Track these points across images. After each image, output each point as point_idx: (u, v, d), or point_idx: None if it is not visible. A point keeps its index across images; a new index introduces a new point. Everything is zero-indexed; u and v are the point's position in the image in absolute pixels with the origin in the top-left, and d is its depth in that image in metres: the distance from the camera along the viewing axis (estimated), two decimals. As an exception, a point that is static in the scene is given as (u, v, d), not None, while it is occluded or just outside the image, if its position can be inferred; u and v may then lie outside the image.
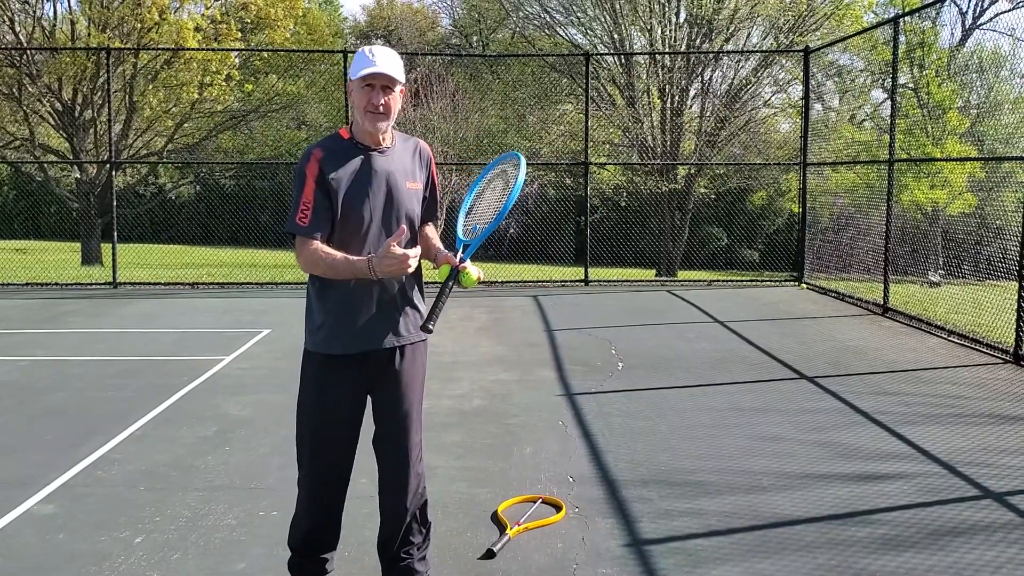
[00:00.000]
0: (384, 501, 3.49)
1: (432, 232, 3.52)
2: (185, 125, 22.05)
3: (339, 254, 3.17)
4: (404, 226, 3.19)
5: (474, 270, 3.32)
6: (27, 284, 13.19)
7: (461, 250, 3.36)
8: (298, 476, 3.45)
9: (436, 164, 3.63)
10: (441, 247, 3.45)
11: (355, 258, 3.16)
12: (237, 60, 21.96)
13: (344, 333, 3.27)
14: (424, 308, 3.43)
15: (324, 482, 3.39)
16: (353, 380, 3.32)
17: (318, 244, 3.19)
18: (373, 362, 3.31)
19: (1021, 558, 3.80)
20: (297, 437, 3.44)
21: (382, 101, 3.22)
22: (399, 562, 3.48)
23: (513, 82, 24.49)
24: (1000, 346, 8.03)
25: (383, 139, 3.31)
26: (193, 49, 19.42)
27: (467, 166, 19.39)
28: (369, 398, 3.42)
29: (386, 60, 3.21)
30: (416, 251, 3.18)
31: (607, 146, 22.82)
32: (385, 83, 3.22)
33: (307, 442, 3.39)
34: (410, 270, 3.16)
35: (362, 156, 3.27)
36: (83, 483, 4.77)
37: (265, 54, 22.14)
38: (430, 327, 3.23)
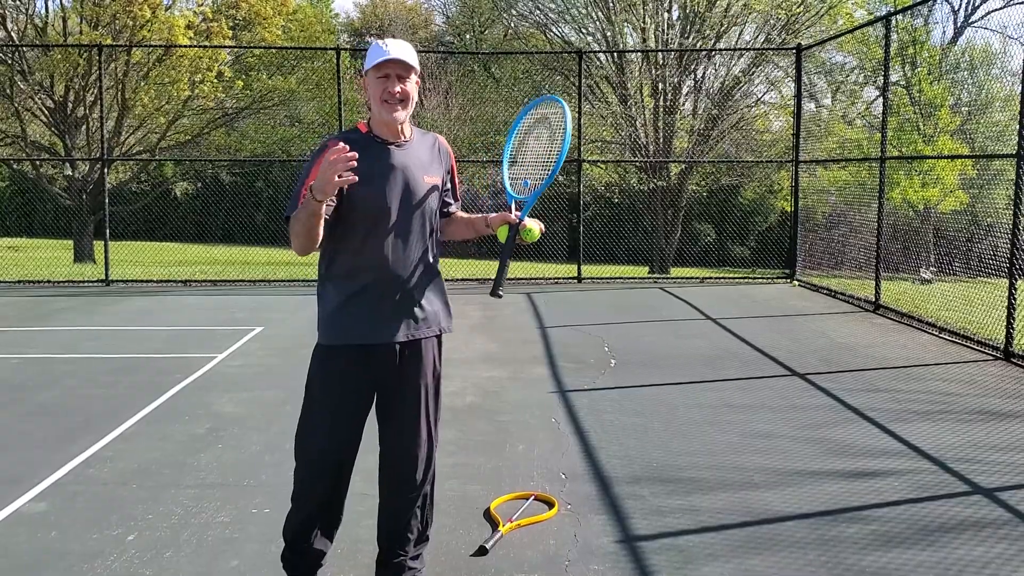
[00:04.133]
0: (385, 498, 3.50)
1: (464, 213, 3.55)
2: (180, 122, 22.01)
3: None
4: (344, 145, 2.92)
5: (535, 224, 3.31)
6: (19, 282, 13.15)
7: (515, 207, 3.35)
8: (294, 468, 3.44)
9: None
10: (484, 215, 3.46)
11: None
12: (229, 57, 21.92)
13: (351, 325, 3.26)
14: (441, 305, 3.42)
15: (324, 475, 3.38)
16: (359, 373, 3.31)
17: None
18: (380, 356, 3.30)
19: (1010, 554, 3.82)
20: (298, 429, 3.43)
21: (398, 89, 3.20)
22: (393, 558, 3.49)
23: (506, 80, 24.50)
24: (990, 343, 8.06)
25: (401, 131, 3.30)
26: (185, 46, 19.37)
27: (461, 163, 19.39)
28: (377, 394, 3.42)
29: (399, 48, 3.21)
30: (354, 155, 2.89)
31: (600, 143, 22.84)
32: (400, 71, 3.21)
33: (309, 434, 3.37)
34: (339, 177, 2.88)
35: (380, 149, 3.27)
36: (75, 481, 4.76)
37: (257, 51, 22.10)
38: (500, 292, 3.22)
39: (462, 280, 12.73)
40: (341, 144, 2.90)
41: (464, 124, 23.26)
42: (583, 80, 14.48)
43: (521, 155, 3.51)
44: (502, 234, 3.30)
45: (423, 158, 3.36)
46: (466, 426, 5.73)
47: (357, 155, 2.91)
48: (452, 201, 3.53)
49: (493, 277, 3.37)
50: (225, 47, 20.74)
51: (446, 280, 3.55)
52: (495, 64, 25.75)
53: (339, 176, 2.88)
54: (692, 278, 14.08)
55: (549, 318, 9.86)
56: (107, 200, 13.33)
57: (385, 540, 3.51)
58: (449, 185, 3.49)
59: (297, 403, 3.43)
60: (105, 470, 4.93)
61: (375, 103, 3.25)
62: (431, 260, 3.37)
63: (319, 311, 3.36)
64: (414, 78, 3.27)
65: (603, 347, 8.20)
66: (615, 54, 22.15)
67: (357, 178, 2.95)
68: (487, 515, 4.26)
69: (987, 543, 3.93)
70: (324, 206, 3.00)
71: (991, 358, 7.75)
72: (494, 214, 3.40)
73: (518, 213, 3.33)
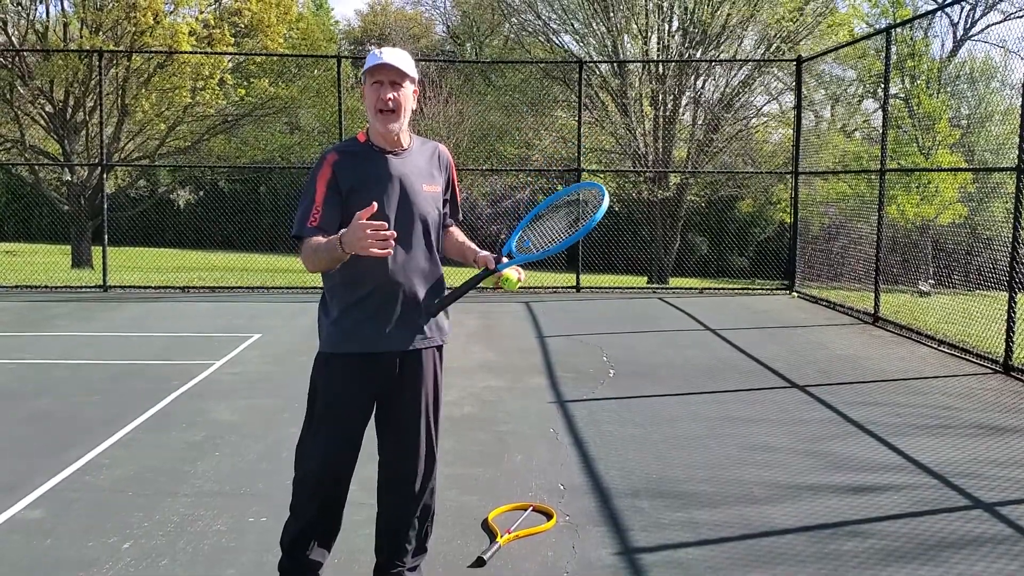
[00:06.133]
0: (383, 508, 3.48)
1: (460, 235, 3.53)
2: (178, 128, 22.01)
3: (321, 238, 3.11)
4: (375, 203, 3.02)
5: (514, 273, 3.31)
6: (16, 286, 13.12)
7: (505, 257, 3.34)
8: (294, 477, 3.42)
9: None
10: (476, 248, 3.45)
11: (331, 237, 3.06)
12: (230, 64, 21.94)
13: (352, 333, 3.26)
14: (441, 316, 3.43)
15: (323, 484, 3.36)
16: (361, 382, 3.30)
17: (310, 238, 3.15)
18: (381, 365, 3.29)
19: (1011, 570, 3.80)
20: (300, 437, 3.41)
21: (390, 95, 3.19)
22: (391, 569, 3.47)
23: (507, 88, 24.54)
24: (990, 356, 8.05)
25: (399, 140, 3.29)
26: (186, 52, 19.38)
27: (460, 172, 19.41)
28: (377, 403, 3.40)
29: (393, 55, 3.21)
30: (392, 233, 2.95)
31: (599, 153, 22.87)
32: (393, 78, 3.20)
33: (311, 443, 3.36)
34: (376, 250, 2.91)
35: (377, 159, 3.26)
36: (71, 488, 4.73)
37: (258, 58, 22.12)
38: (434, 310, 3.28)
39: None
40: (380, 223, 2.91)
41: (464, 133, 23.28)
42: (583, 89, 14.49)
43: (544, 221, 3.51)
44: (479, 271, 3.33)
45: (422, 167, 3.34)
46: (464, 436, 5.71)
47: (396, 234, 2.96)
48: (450, 214, 3.51)
49: (488, 285, 3.37)
50: (226, 54, 20.77)
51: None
52: (495, 73, 25.80)
53: (373, 249, 2.91)
54: (691, 288, 14.07)
55: (548, 327, 9.84)
56: (106, 205, 13.31)
57: (383, 550, 3.50)
58: (448, 196, 3.47)
59: (295, 411, 3.42)
60: (101, 477, 4.90)
61: (370, 112, 3.24)
62: (433, 269, 3.36)
63: (321, 319, 3.36)
64: (409, 86, 3.25)
65: (602, 357, 8.18)
66: (615, 64, 22.19)
67: (392, 253, 3.00)
68: (485, 526, 4.23)
69: (988, 558, 3.91)
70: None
71: (990, 371, 7.74)
72: (483, 253, 3.38)
73: (503, 261, 3.31)
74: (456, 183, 3.53)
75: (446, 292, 3.41)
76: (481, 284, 3.34)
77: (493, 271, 3.28)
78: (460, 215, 3.58)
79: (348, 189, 3.19)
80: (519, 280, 3.32)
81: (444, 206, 3.46)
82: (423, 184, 3.31)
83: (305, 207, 3.19)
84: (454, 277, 3.56)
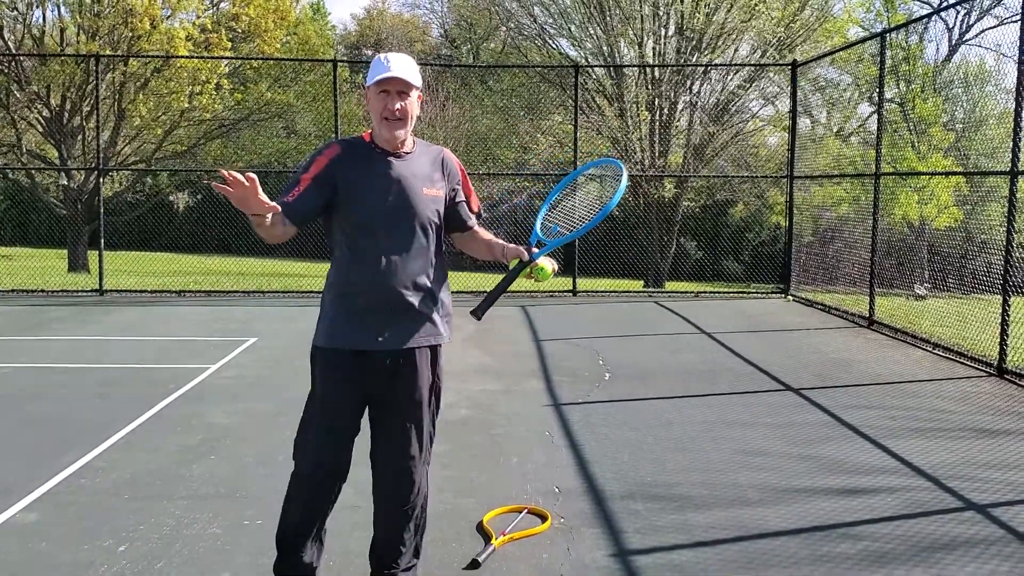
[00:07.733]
0: (377, 511, 3.50)
1: (486, 234, 3.55)
2: (175, 132, 21.99)
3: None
4: (253, 175, 3.01)
5: (548, 263, 3.32)
6: (12, 291, 13.12)
7: (535, 246, 3.35)
8: (292, 472, 3.44)
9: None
10: (504, 243, 3.46)
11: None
12: (227, 69, 21.93)
13: (346, 329, 3.29)
14: (441, 315, 3.43)
15: (313, 476, 3.38)
16: (347, 378, 3.32)
17: None
18: (371, 364, 3.31)
19: (1003, 571, 3.82)
20: (299, 429, 3.43)
21: (397, 106, 3.24)
22: (387, 571, 3.48)
23: (503, 92, 24.57)
24: (984, 359, 8.08)
25: (402, 145, 3.33)
26: (183, 57, 19.38)
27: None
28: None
29: (400, 65, 3.24)
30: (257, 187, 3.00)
31: (596, 156, 22.89)
32: (400, 88, 3.24)
33: (308, 434, 3.38)
34: (250, 205, 3.00)
35: (379, 159, 3.30)
36: (66, 491, 4.74)
37: (255, 63, 22.13)
38: (479, 314, 3.28)
39: (456, 292, 12.69)
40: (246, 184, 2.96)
41: (461, 137, 23.30)
42: (579, 93, 14.52)
43: (564, 203, 3.53)
44: (513, 265, 3.33)
45: (425, 170, 3.37)
46: (460, 439, 5.72)
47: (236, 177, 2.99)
48: (470, 216, 3.52)
49: (522, 279, 3.38)
50: (223, 58, 20.76)
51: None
52: (492, 77, 25.85)
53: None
54: (687, 292, 14.10)
55: (544, 331, 9.86)
56: (102, 210, 13.31)
57: (378, 553, 3.51)
58: (463, 198, 3.49)
59: (290, 415, 3.44)
60: (97, 481, 4.91)
61: (376, 119, 3.27)
62: (431, 270, 3.36)
63: (320, 314, 3.40)
64: (415, 94, 3.29)
65: (598, 360, 8.20)
66: (612, 68, 22.22)
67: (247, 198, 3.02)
68: (480, 528, 4.25)
69: (979, 560, 3.93)
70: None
71: (984, 374, 7.77)
72: (511, 246, 3.41)
73: (534, 251, 3.34)
74: (469, 185, 3.54)
75: (444, 312, 3.40)
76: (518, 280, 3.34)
77: (528, 262, 3.28)
78: (480, 219, 3.58)
79: (345, 184, 3.23)
80: (553, 270, 3.34)
81: (455, 208, 3.46)
82: (423, 187, 3.33)
83: (290, 184, 3.26)
84: (456, 282, 3.57)
